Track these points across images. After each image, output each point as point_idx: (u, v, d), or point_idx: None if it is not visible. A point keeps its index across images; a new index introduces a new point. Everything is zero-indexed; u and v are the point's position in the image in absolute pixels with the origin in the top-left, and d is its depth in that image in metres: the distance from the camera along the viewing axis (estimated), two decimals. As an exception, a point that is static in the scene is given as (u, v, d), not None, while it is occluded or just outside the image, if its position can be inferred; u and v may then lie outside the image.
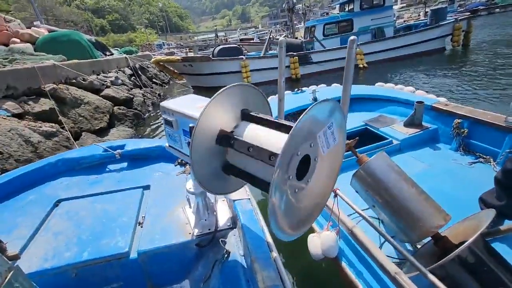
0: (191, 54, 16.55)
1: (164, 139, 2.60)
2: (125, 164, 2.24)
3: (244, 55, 10.99)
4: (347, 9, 12.30)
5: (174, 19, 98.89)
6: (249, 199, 1.61)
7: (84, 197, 1.85)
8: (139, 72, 11.57)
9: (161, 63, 10.69)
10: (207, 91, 10.95)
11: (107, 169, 2.20)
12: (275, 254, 1.22)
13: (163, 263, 1.44)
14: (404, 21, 17.75)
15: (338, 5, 12.71)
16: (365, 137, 2.71)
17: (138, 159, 2.27)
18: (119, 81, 8.36)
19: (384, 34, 11.88)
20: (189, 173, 2.13)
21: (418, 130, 2.65)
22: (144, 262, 1.41)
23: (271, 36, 11.66)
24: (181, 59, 10.54)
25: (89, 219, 1.63)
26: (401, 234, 1.22)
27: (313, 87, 3.65)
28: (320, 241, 1.31)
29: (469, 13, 13.20)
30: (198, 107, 1.15)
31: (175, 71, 11.41)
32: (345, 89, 1.09)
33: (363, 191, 1.31)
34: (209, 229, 1.51)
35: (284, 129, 0.86)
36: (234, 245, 1.44)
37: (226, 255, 1.39)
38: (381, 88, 3.40)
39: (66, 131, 4.41)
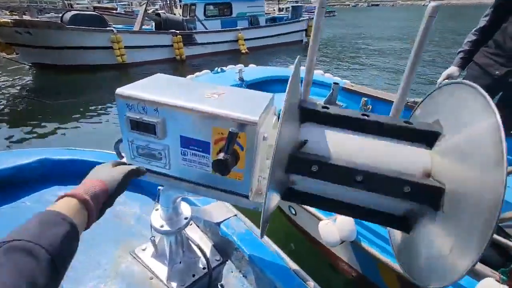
0: (27, 18, 11.83)
1: (47, 147, 1.57)
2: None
3: (112, 27, 8.88)
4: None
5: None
6: (236, 215, 1.22)
7: None
8: None
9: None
10: (59, 71, 8.21)
11: None
12: (312, 283, 0.96)
13: None
14: (267, 13, 19.74)
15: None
16: None
17: (3, 187, 1.30)
18: None
19: (259, 22, 12.79)
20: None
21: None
22: None
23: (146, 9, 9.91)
24: (12, 23, 7.24)
25: None
26: None
27: (239, 66, 3.36)
28: (337, 227, 1.28)
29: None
30: (207, 96, 0.67)
31: (-1, 40, 7.79)
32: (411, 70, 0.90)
33: None
34: (193, 275, 1.04)
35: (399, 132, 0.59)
36: (237, 287, 1.05)
37: (232, 305, 1.00)
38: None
39: None
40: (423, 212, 0.55)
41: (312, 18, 11.70)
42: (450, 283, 0.44)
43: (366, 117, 0.60)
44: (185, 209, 0.99)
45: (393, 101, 2.89)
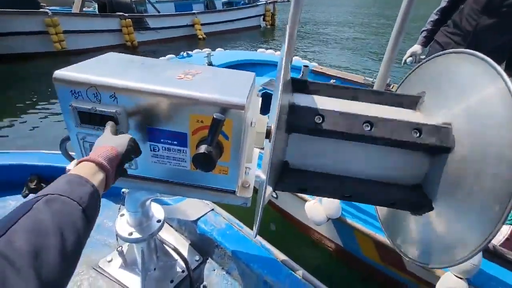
0: None
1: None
2: None
3: (46, 9, 7.70)
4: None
5: None
6: (213, 209, 1.14)
7: None
8: None
9: None
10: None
11: None
12: (301, 271, 0.93)
13: None
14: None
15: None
16: (267, 100, 2.81)
17: None
18: None
19: (215, 6, 12.21)
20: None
21: (306, 90, 3.07)
22: None
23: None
24: None
25: None
26: None
27: (206, 50, 3.18)
28: (323, 206, 1.31)
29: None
30: (179, 77, 0.57)
31: None
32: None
33: None
34: (171, 281, 0.95)
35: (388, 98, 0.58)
36: (220, 286, 0.99)
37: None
38: (263, 54, 3.54)
39: None
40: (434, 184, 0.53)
41: (269, 3, 11.48)
42: (456, 264, 0.43)
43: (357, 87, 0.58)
44: (157, 211, 0.88)
45: (359, 82, 3.00)
